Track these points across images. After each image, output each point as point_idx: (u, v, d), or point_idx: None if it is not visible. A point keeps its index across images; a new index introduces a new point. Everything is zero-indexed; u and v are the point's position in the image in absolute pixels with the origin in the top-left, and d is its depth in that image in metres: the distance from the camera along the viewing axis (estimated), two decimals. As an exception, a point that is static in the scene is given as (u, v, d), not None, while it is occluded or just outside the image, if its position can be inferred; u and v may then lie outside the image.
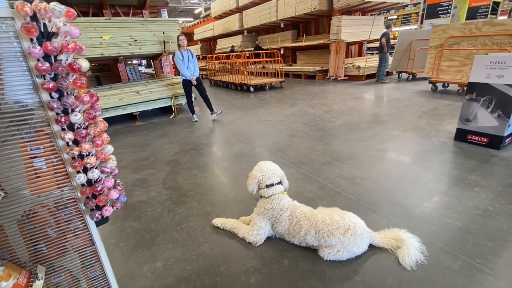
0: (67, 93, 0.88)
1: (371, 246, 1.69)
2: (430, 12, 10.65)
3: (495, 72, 2.87)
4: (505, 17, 11.06)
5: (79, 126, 0.91)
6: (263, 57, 10.22)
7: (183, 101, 6.10)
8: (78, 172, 0.96)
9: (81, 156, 0.94)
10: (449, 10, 10.04)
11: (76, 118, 0.87)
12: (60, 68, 0.83)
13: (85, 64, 0.88)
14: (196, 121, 5.26)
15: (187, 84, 4.94)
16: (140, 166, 3.30)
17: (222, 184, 2.74)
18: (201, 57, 17.65)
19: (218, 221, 2.02)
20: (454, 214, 1.98)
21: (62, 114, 0.87)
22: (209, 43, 20.00)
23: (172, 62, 8.26)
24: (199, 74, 5.11)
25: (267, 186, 1.78)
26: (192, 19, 26.88)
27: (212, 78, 11.12)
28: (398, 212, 2.06)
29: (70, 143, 0.91)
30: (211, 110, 5.29)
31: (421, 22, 12.11)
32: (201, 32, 19.16)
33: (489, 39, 5.36)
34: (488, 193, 2.21)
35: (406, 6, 14.34)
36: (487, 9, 11.08)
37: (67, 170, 0.98)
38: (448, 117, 4.31)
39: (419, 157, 2.99)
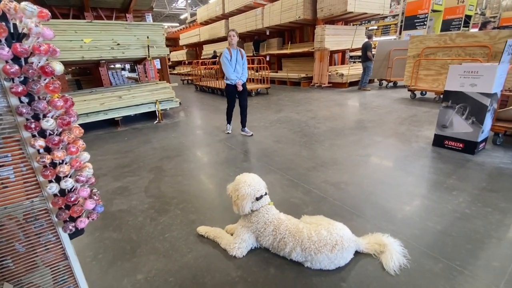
0: (38, 97, 0.83)
1: (356, 252, 1.69)
2: (408, 23, 11.20)
3: (468, 81, 3.02)
4: (476, 30, 11.82)
5: (52, 133, 0.86)
6: (248, 63, 10.29)
7: (167, 106, 5.99)
8: (50, 181, 0.91)
9: (53, 165, 0.89)
10: (425, 22, 10.60)
11: (48, 124, 0.82)
12: (30, 71, 0.78)
13: (58, 67, 0.84)
14: (228, 133, 4.55)
15: (231, 89, 4.16)
16: (121, 173, 3.19)
17: (208, 191, 2.69)
18: (186, 62, 17.53)
19: (202, 230, 1.97)
20: (434, 218, 2.04)
21: (33, 120, 0.82)
22: (195, 48, 19.93)
23: (158, 67, 8.13)
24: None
25: (257, 199, 1.70)
26: (177, 25, 26.74)
27: (197, 83, 11.04)
28: (381, 216, 2.09)
29: (41, 150, 0.86)
30: (244, 125, 4.49)
31: (400, 33, 12.70)
32: (186, 38, 19.07)
33: (462, 50, 5.68)
34: (465, 197, 2.30)
35: (386, 17, 14.97)
36: (460, 22, 11.81)
37: (38, 180, 0.92)
38: (426, 124, 4.50)
39: (400, 162, 3.08)
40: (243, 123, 4.47)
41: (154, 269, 1.69)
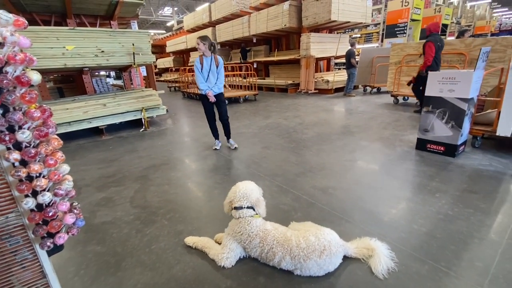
0: (13, 108, 0.80)
1: (345, 257, 1.70)
2: (389, 32, 11.64)
3: (446, 86, 3.16)
4: (452, 38, 12.43)
5: (28, 145, 0.82)
6: (236, 71, 10.35)
7: (154, 113, 5.90)
8: (26, 196, 0.86)
9: (29, 178, 0.85)
10: (405, 31, 11.05)
11: (24, 136, 0.78)
12: (5, 81, 0.75)
13: (35, 77, 0.81)
14: (216, 149, 4.06)
15: (204, 100, 3.77)
16: (105, 183, 3.09)
17: (195, 200, 2.64)
18: (173, 69, 17.41)
19: (190, 240, 1.93)
20: (420, 220, 2.08)
21: (7, 132, 0.78)
22: (182, 55, 19.86)
23: (144, 74, 8.03)
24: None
25: (235, 208, 1.72)
26: (164, 32, 26.63)
27: (185, 90, 10.97)
28: (369, 220, 2.12)
29: (17, 163, 0.82)
30: (228, 137, 4.15)
31: (382, 41, 13.18)
32: (173, 45, 18.99)
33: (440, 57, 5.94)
34: (447, 199, 2.37)
35: (368, 26, 15.52)
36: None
37: (13, 194, 0.87)
38: (409, 128, 4.64)
39: (386, 166, 3.15)
40: (227, 135, 4.13)
41: (140, 283, 1.63)
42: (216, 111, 3.93)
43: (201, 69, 3.58)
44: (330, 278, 1.59)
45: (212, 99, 3.65)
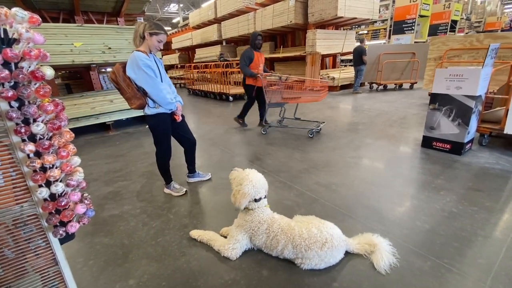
0: (28, 102, 0.83)
1: (347, 253, 1.72)
2: (396, 28, 11.48)
3: (454, 84, 3.12)
4: (462, 34, 12.19)
5: (42, 137, 0.86)
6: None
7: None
8: (40, 186, 0.90)
9: (43, 169, 0.88)
10: (413, 27, 10.88)
11: (38, 128, 0.82)
12: (21, 76, 0.78)
13: (49, 72, 0.84)
14: (183, 193, 2.66)
15: (164, 123, 2.39)
16: (113, 178, 3.15)
17: (200, 195, 2.68)
18: (179, 66, 17.47)
19: (195, 233, 1.97)
20: (423, 217, 2.09)
21: (23, 124, 0.82)
22: (188, 52, 19.89)
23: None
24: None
25: (255, 200, 1.73)
26: (170, 28, 26.70)
27: (190, 87, 11.02)
28: (372, 216, 2.13)
29: (31, 155, 0.86)
30: (193, 169, 2.91)
31: (389, 37, 13.00)
32: (179, 41, 19.03)
33: (491, 52, 5.34)
34: (452, 196, 2.36)
35: (375, 22, 15.31)
36: (447, 27, 12.18)
37: (28, 184, 0.91)
38: (415, 125, 4.60)
39: (390, 163, 3.14)
40: (192, 166, 2.89)
41: (147, 273, 1.68)
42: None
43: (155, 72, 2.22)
44: (332, 272, 1.61)
45: (179, 118, 2.51)
